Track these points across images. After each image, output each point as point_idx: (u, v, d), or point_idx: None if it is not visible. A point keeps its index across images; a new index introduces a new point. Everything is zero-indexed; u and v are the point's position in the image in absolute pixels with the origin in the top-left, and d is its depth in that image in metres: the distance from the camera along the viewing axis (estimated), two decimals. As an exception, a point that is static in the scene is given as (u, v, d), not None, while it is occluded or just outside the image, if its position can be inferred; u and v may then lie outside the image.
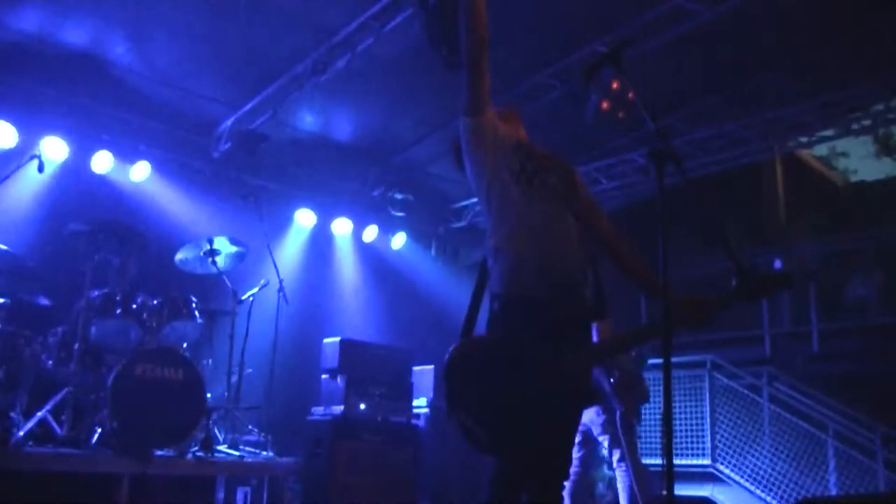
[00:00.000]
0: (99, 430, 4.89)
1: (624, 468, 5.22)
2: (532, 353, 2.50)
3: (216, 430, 5.69)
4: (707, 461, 8.37)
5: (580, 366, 2.63)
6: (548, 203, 2.68)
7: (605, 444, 5.35)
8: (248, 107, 7.11)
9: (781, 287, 2.47)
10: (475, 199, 9.21)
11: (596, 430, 5.34)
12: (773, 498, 7.89)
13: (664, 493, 2.22)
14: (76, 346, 5.04)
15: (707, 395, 8.56)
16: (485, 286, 2.73)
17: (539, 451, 2.54)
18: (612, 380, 5.14)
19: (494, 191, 2.72)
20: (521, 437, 2.48)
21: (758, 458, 8.20)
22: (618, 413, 5.18)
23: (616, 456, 5.27)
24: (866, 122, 6.97)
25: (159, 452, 4.94)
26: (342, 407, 6.14)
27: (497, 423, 2.48)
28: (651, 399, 5.48)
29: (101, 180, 7.04)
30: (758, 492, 8.03)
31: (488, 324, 2.66)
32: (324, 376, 6.52)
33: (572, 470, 4.28)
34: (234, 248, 6.14)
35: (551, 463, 2.64)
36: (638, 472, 5.18)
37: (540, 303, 2.57)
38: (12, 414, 4.71)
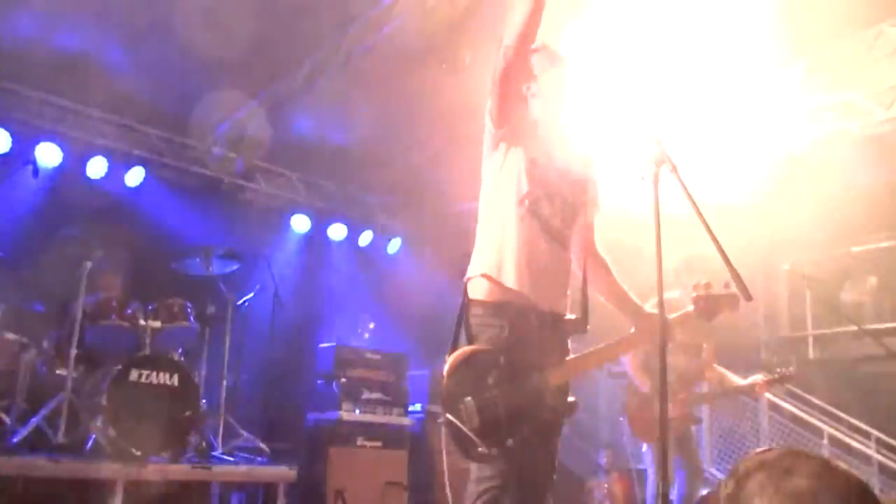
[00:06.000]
0: (93, 437, 4.88)
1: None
2: (516, 363, 2.53)
3: (211, 436, 5.67)
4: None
5: (562, 377, 2.64)
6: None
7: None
8: (243, 111, 7.10)
9: (731, 308, 2.53)
10: (471, 205, 9.20)
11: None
12: (769, 503, 7.88)
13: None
14: (71, 351, 5.01)
15: (702, 399, 8.53)
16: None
17: (523, 458, 2.55)
18: None
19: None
20: (507, 444, 2.49)
21: (753, 463, 8.19)
22: None
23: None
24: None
25: (154, 458, 4.92)
26: (337, 412, 6.14)
27: (485, 430, 2.49)
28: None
29: (96, 185, 7.02)
30: (753, 496, 8.02)
31: (465, 326, 2.66)
32: (319, 381, 6.51)
33: None
34: (229, 255, 6.13)
35: (534, 471, 2.65)
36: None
37: (519, 309, 2.59)
38: (7, 420, 4.70)
